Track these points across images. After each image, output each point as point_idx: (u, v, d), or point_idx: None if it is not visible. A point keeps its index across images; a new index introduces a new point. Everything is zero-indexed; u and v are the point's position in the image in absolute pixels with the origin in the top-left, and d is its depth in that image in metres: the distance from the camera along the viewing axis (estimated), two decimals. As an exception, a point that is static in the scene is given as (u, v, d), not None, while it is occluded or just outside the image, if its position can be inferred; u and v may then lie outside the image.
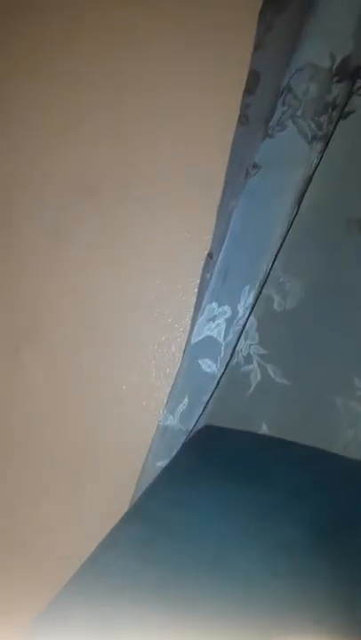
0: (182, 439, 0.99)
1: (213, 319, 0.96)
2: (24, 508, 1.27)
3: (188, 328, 1.09)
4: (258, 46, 1.04)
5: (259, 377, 1.09)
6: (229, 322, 0.96)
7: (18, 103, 1.27)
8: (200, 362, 0.97)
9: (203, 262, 1.08)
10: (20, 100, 1.27)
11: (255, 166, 0.93)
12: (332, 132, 0.94)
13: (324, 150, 0.94)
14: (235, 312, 0.95)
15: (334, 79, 0.90)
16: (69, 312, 1.25)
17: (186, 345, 1.01)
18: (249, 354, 1.08)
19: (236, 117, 1.04)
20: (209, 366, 0.97)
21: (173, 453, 0.98)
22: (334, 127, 0.94)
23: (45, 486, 1.26)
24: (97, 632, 0.52)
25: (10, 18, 1.26)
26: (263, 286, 0.98)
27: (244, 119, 1.05)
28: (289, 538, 0.70)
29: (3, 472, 1.28)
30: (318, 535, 0.72)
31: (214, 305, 0.96)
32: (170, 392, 1.01)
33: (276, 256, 0.97)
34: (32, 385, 1.27)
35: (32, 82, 1.26)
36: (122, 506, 0.80)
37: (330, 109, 0.91)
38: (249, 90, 1.04)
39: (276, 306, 1.08)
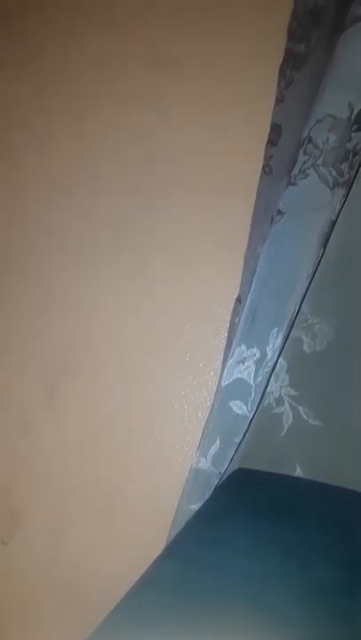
0: (215, 482, 1.00)
1: (243, 361, 0.98)
2: (55, 548, 1.27)
3: (219, 371, 1.11)
4: (279, 100, 1.09)
5: (291, 419, 1.09)
6: (259, 364, 0.97)
7: (54, 163, 1.36)
8: (231, 404, 0.98)
9: (232, 306, 1.10)
10: (57, 161, 1.36)
11: (279, 213, 0.97)
12: (355, 177, 0.97)
13: (346, 195, 0.97)
14: (263, 354, 0.97)
15: (353, 128, 0.93)
16: (102, 357, 1.28)
17: (217, 388, 1.03)
18: (280, 396, 1.09)
19: (261, 168, 1.09)
20: (240, 408, 0.98)
21: (207, 496, 0.98)
22: (356, 172, 0.97)
23: (78, 527, 1.26)
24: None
25: (47, 89, 1.36)
26: (291, 328, 1.00)
27: (267, 169, 1.09)
28: (324, 578, 0.69)
29: (40, 512, 1.29)
30: (353, 576, 0.71)
31: (243, 347, 0.98)
32: (202, 435, 1.02)
33: (304, 298, 0.99)
34: (67, 425, 1.29)
35: (67, 141, 1.34)
36: (155, 548, 0.80)
37: (350, 156, 0.94)
38: (272, 142, 1.09)
39: (305, 347, 1.09)
